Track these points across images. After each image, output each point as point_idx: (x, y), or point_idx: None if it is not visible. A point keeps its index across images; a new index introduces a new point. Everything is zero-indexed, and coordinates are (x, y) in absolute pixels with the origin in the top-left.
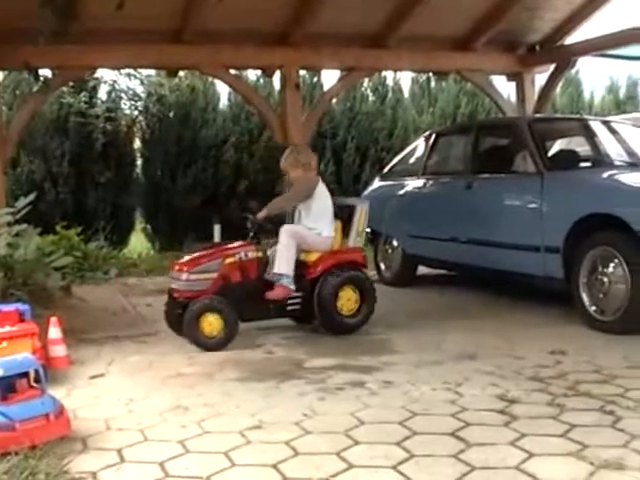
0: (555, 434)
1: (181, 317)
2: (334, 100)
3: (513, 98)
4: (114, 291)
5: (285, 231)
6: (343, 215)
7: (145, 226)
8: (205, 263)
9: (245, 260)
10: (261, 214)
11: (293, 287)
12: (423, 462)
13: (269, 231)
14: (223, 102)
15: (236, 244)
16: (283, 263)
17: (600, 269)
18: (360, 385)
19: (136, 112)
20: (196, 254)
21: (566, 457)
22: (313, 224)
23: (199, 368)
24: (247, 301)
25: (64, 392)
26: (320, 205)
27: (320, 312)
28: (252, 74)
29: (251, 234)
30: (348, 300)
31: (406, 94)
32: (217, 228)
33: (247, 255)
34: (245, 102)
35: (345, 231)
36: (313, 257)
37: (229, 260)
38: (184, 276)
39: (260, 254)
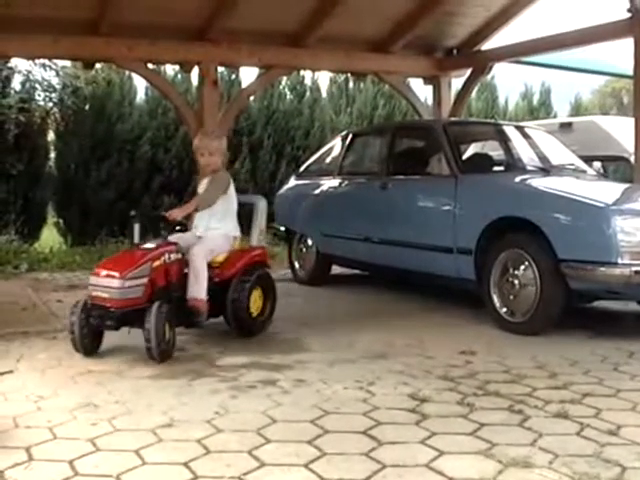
0: (465, 432)
1: (113, 330)
2: (252, 97)
3: (430, 101)
4: (24, 286)
5: (198, 255)
6: (241, 213)
7: (57, 220)
8: (138, 267)
9: (169, 262)
10: (180, 213)
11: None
12: (334, 460)
13: (180, 230)
14: (140, 96)
15: (156, 245)
16: (201, 289)
17: (511, 271)
18: (272, 383)
19: (50, 104)
20: (120, 256)
21: (475, 455)
22: (218, 223)
23: (110, 365)
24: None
25: None
26: (228, 203)
27: (234, 316)
28: (170, 69)
29: (164, 234)
30: (255, 301)
31: (324, 94)
32: (137, 227)
33: (170, 257)
34: (162, 97)
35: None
36: (219, 258)
37: (157, 263)
38: (117, 283)
39: (180, 255)
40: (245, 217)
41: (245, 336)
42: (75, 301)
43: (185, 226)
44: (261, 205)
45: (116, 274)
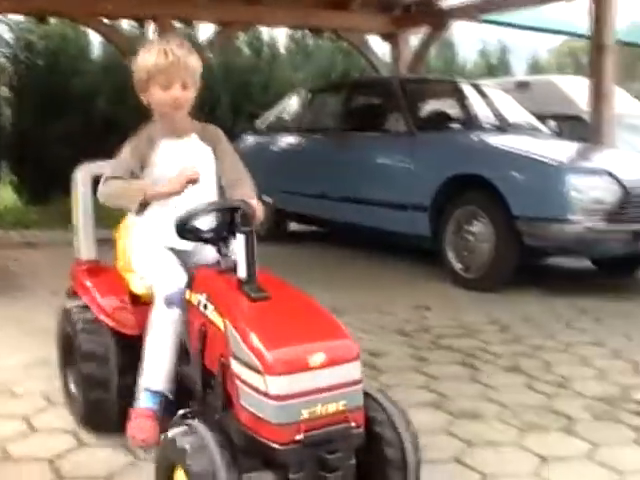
0: (417, 385)
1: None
2: (209, 54)
3: (388, 59)
4: None
5: None
6: None
7: (12, 178)
8: None
9: None
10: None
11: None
12: None
13: None
14: (96, 52)
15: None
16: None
17: (466, 227)
18: None
19: (3, 59)
20: (278, 306)
21: (427, 407)
22: None
23: None
24: None
25: None
26: None
27: None
28: (126, 24)
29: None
30: None
31: (282, 50)
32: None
33: None
34: (119, 53)
35: None
36: None
37: None
38: (357, 370)
39: None
40: None
41: None
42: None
43: None
44: None
45: (352, 350)
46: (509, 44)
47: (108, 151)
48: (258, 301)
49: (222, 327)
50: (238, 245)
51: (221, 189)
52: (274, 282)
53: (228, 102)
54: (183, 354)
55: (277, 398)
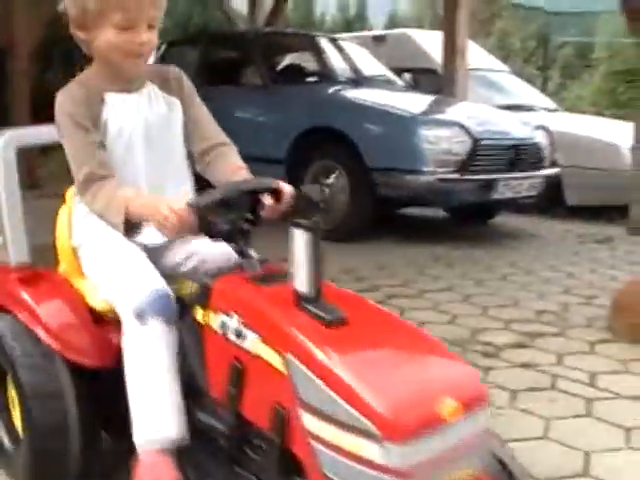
0: None
1: None
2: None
3: (246, 12)
4: None
5: None
6: None
7: None
8: None
9: None
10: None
11: None
12: None
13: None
14: None
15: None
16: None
17: (322, 180)
18: None
19: None
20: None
21: None
22: None
23: None
24: None
25: None
26: None
27: None
28: None
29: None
30: None
31: None
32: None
33: None
34: None
35: None
36: None
37: None
38: (486, 413)
39: None
40: None
41: None
42: None
43: None
44: None
45: (480, 387)
46: None
47: None
48: (335, 326)
49: (279, 365)
50: (297, 245)
51: (190, 157)
52: (338, 294)
53: (82, 54)
54: (196, 395)
55: (403, 475)
